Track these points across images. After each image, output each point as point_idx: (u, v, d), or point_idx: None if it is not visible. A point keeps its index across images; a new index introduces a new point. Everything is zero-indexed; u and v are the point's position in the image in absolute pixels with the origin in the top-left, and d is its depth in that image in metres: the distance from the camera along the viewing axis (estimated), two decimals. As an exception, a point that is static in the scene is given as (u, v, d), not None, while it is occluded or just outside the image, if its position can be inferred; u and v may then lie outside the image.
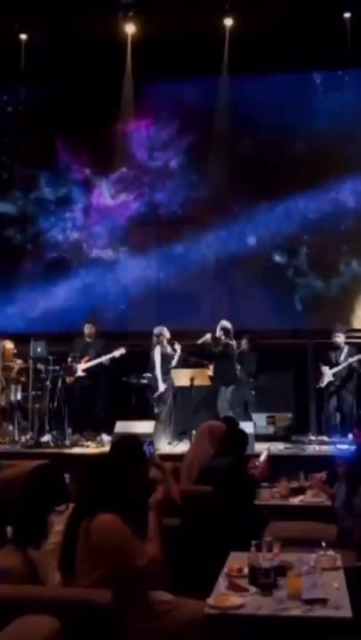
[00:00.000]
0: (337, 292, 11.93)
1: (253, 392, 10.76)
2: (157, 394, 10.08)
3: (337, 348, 10.33)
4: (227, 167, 12.23)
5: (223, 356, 10.25)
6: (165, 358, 10.14)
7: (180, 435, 9.97)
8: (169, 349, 10.21)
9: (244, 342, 10.64)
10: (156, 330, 10.24)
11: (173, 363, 10.16)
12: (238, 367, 10.51)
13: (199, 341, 10.25)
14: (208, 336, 10.25)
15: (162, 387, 10.05)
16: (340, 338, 10.29)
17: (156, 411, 10.09)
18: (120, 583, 3.20)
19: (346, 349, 10.31)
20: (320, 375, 10.37)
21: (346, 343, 10.35)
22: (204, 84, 12.26)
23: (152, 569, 3.28)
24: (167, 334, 10.23)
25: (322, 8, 10.69)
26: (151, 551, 3.33)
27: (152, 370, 10.18)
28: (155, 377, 10.12)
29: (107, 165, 12.63)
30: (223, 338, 10.30)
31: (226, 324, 10.35)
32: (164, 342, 10.20)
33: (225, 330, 10.31)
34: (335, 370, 10.22)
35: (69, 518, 3.39)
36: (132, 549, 3.27)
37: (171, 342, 10.27)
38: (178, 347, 10.22)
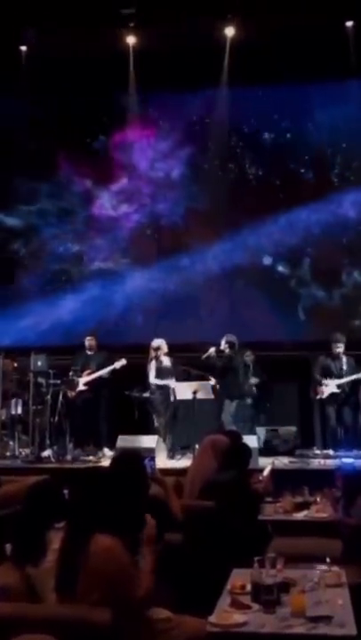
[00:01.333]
0: (339, 302, 11.94)
1: (268, 404, 10.79)
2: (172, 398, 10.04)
3: (336, 358, 10.29)
4: (228, 178, 12.26)
5: (227, 370, 10.24)
6: (160, 372, 10.14)
7: (181, 449, 9.94)
8: (164, 363, 10.19)
9: (248, 354, 10.65)
10: (155, 343, 10.20)
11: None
12: (254, 380, 10.55)
13: (203, 356, 10.24)
14: (212, 350, 10.23)
15: (174, 384, 10.00)
16: (340, 348, 10.24)
17: (155, 424, 10.09)
18: (118, 605, 3.18)
19: (345, 359, 10.25)
20: (317, 386, 10.30)
21: (345, 354, 10.29)
22: (206, 94, 12.30)
23: (146, 602, 3.26)
24: (165, 348, 10.18)
25: (324, 17, 10.72)
26: (145, 584, 3.31)
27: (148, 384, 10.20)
28: (154, 387, 10.10)
29: (108, 177, 12.67)
30: (228, 351, 10.27)
31: (231, 337, 10.33)
32: (161, 356, 10.18)
33: (230, 343, 10.29)
34: (340, 382, 10.17)
35: (65, 536, 3.36)
36: (131, 579, 3.25)
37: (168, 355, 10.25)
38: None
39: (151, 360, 10.17)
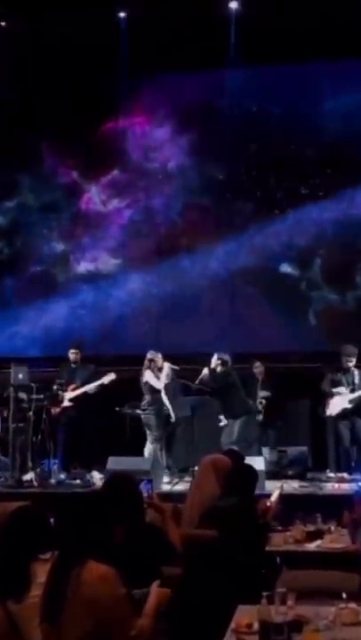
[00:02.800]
0: (353, 306, 12.00)
1: (280, 422, 10.83)
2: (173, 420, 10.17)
3: (347, 371, 10.32)
4: (231, 170, 12.28)
5: (225, 389, 10.28)
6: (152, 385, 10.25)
7: (179, 472, 9.95)
8: (159, 376, 10.26)
9: (257, 365, 10.69)
10: (150, 354, 10.31)
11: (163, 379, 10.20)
12: (264, 394, 10.60)
13: (197, 381, 10.32)
14: (205, 371, 10.32)
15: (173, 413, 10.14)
16: (351, 361, 10.27)
17: (148, 441, 10.15)
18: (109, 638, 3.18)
19: (357, 373, 10.29)
20: (327, 401, 10.31)
21: (357, 367, 10.32)
22: (206, 76, 12.33)
23: None
24: (159, 362, 10.28)
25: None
26: (141, 624, 3.31)
27: (148, 393, 10.23)
28: (156, 404, 10.15)
29: (97, 168, 12.69)
30: (219, 369, 10.33)
31: (222, 354, 10.40)
32: (156, 369, 10.24)
33: (222, 360, 10.36)
34: (352, 397, 10.18)
35: (55, 562, 3.36)
36: (125, 615, 3.25)
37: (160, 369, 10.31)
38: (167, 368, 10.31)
39: (145, 370, 10.23)
